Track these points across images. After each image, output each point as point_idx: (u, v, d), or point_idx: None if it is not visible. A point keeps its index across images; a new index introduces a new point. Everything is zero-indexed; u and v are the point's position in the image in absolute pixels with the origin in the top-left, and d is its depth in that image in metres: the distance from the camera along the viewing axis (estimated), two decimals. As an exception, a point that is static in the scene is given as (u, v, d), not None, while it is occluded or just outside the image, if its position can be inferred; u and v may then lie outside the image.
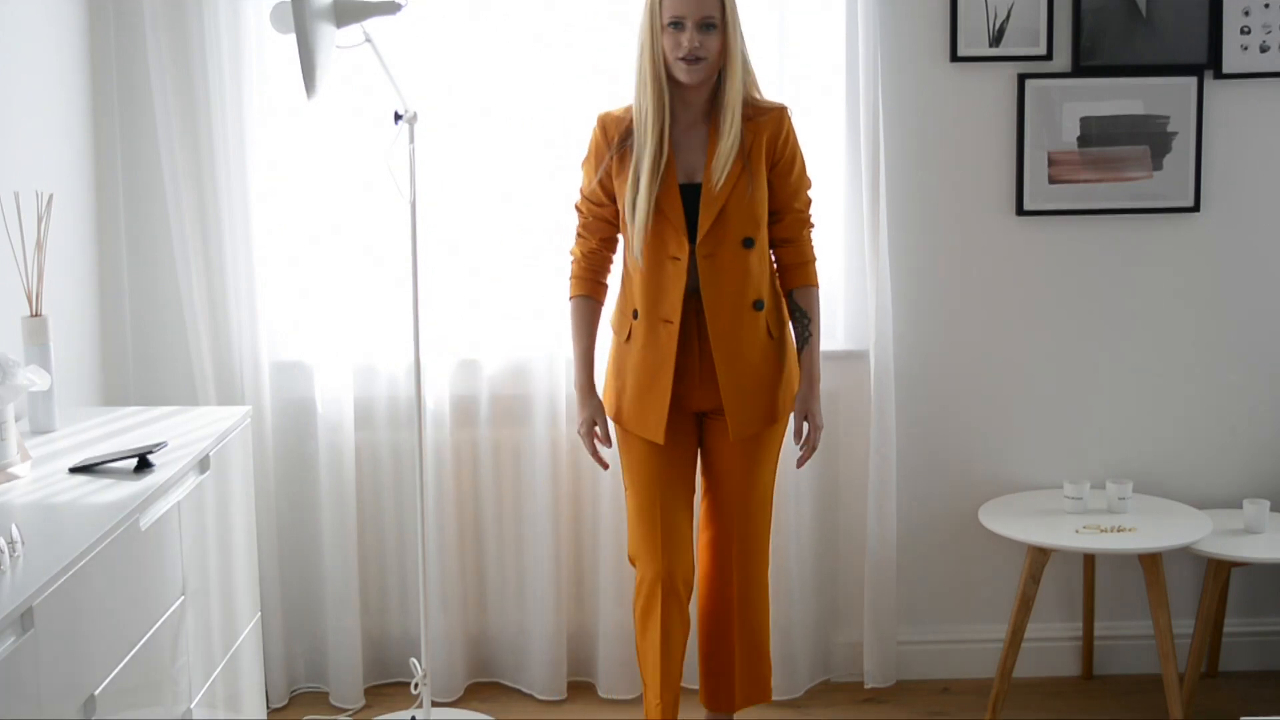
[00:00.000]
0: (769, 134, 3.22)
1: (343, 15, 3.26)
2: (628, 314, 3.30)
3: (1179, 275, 3.95)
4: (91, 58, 3.67)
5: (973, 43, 3.80)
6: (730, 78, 3.17)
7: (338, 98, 3.69)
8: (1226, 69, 3.83)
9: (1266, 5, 3.82)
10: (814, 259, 3.36)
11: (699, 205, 3.20)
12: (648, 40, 3.17)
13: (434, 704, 3.81)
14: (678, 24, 3.13)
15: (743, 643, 3.40)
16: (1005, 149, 3.87)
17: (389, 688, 3.98)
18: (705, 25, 3.13)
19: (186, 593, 2.78)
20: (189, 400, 3.80)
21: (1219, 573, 3.68)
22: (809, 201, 3.34)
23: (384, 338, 3.83)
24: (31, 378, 2.73)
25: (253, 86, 3.71)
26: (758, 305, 3.24)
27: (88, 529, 2.35)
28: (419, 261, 3.51)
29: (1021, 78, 3.82)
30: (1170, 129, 3.85)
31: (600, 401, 3.38)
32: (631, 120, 3.23)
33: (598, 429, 3.36)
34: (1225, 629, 4.01)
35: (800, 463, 3.41)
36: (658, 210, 3.18)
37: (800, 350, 3.35)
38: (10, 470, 2.65)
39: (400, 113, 3.42)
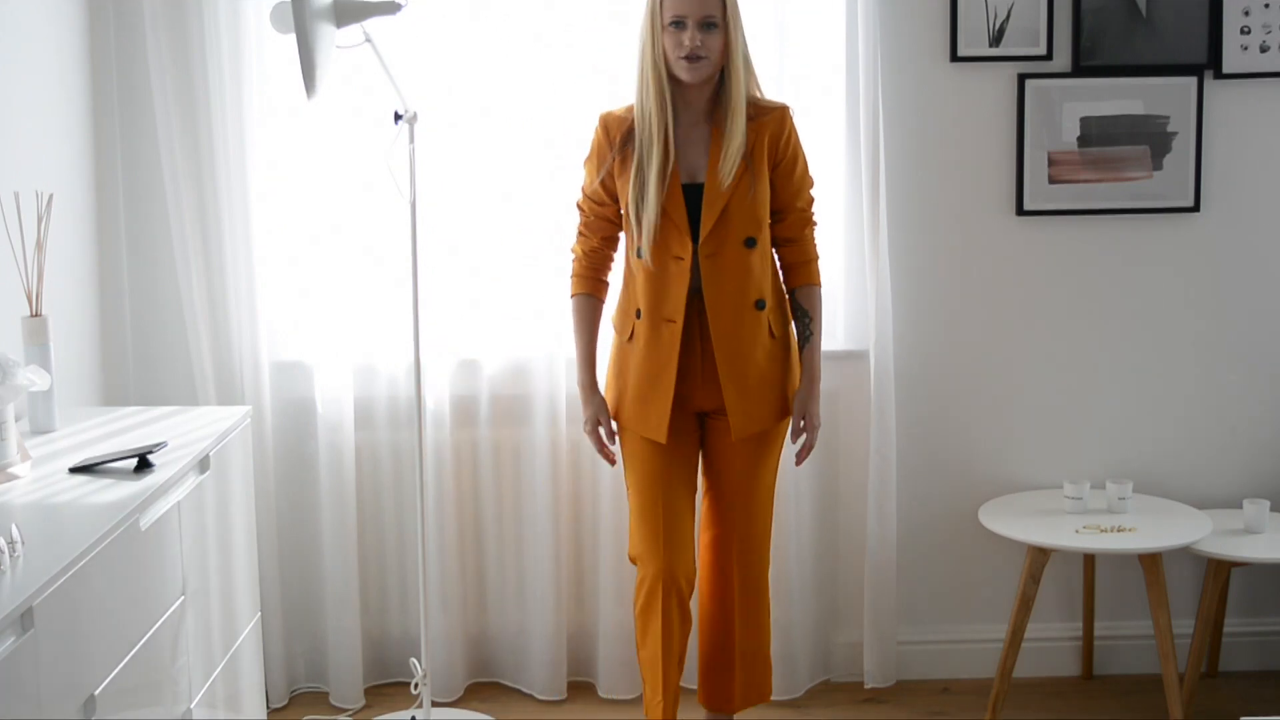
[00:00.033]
0: (771, 133, 3.22)
1: (343, 15, 3.26)
2: (630, 313, 3.30)
3: (1179, 275, 3.95)
4: (91, 58, 3.67)
5: (973, 43, 3.80)
6: (732, 77, 3.18)
7: (338, 98, 3.69)
8: (1226, 69, 3.83)
9: (1266, 5, 3.82)
10: (817, 257, 3.37)
11: (701, 205, 3.20)
12: (649, 40, 3.18)
13: (434, 704, 3.81)
14: (679, 23, 3.13)
15: (743, 643, 3.40)
16: (1005, 149, 3.87)
17: (389, 688, 3.98)
18: (707, 24, 3.13)
19: (186, 593, 2.77)
20: (189, 400, 3.80)
21: (1219, 573, 3.68)
22: (811, 200, 3.34)
23: (384, 338, 3.83)
24: (31, 378, 2.73)
25: (253, 86, 3.71)
26: (759, 305, 3.25)
27: (88, 529, 2.35)
28: (419, 261, 3.51)
29: (1021, 78, 3.82)
30: (1170, 129, 3.85)
31: (604, 399, 3.38)
32: (633, 120, 3.23)
33: (602, 426, 3.37)
34: (1225, 629, 4.01)
35: (799, 459, 3.41)
36: (661, 210, 3.18)
37: (801, 349, 3.35)
38: (10, 470, 2.65)
39: (400, 113, 3.42)
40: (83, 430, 3.06)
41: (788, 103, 3.31)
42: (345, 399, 3.82)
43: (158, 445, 2.81)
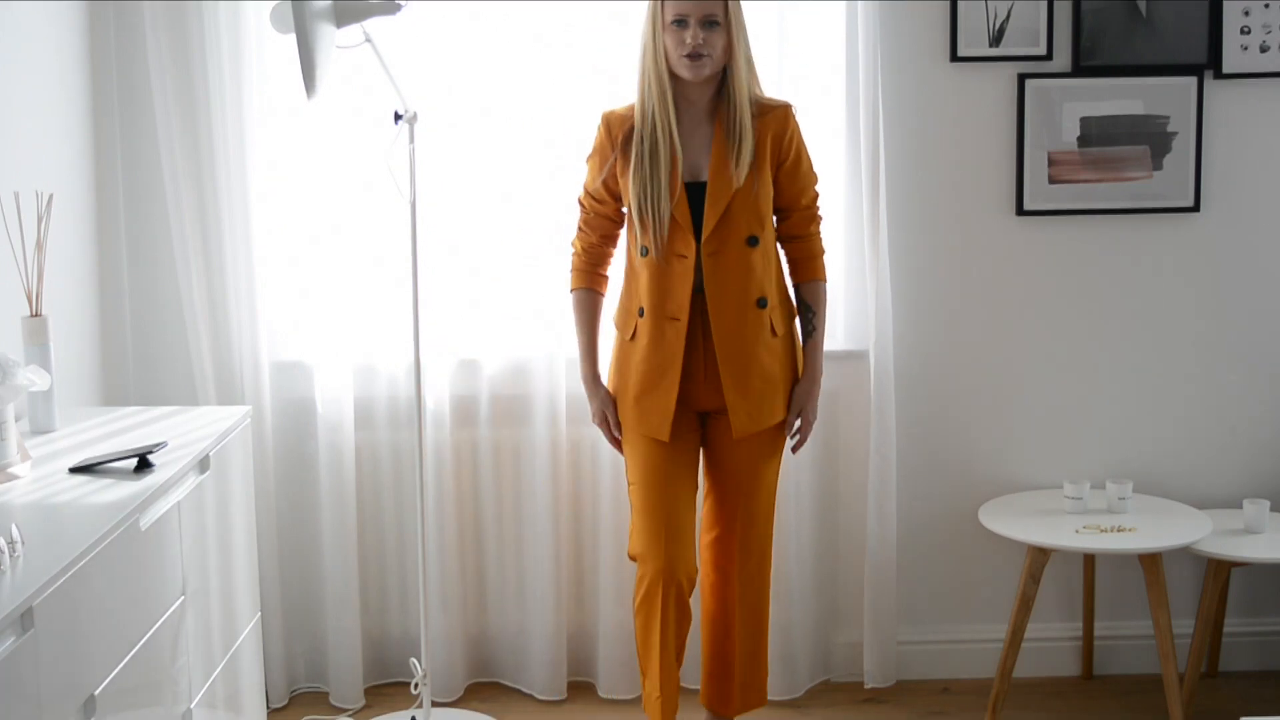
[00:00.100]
0: (774, 132, 3.23)
1: (343, 15, 3.26)
2: (633, 311, 3.30)
3: (1179, 275, 3.95)
4: (91, 58, 3.67)
5: (973, 43, 3.80)
6: (735, 76, 3.18)
7: (338, 98, 3.69)
8: (1226, 69, 3.83)
9: (1266, 5, 3.82)
10: (822, 252, 3.38)
11: (702, 203, 3.20)
12: (650, 40, 3.18)
13: (434, 704, 3.81)
14: (681, 22, 3.13)
15: (742, 644, 3.41)
16: (1005, 149, 3.87)
17: (389, 688, 3.98)
18: (708, 23, 3.13)
19: (186, 593, 2.78)
20: (189, 400, 3.80)
21: (1219, 573, 3.68)
22: (816, 196, 3.36)
23: (384, 338, 3.83)
24: (31, 378, 2.73)
25: (253, 86, 3.71)
26: (761, 303, 3.25)
27: (88, 529, 2.35)
28: (419, 261, 3.51)
29: (1021, 78, 3.82)
30: (1170, 129, 3.85)
31: (608, 391, 3.39)
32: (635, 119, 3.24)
33: (609, 417, 3.38)
34: (1225, 629, 4.01)
35: (795, 449, 3.42)
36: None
37: (804, 344, 3.36)
38: (10, 470, 2.65)
39: (400, 113, 3.42)
40: (83, 430, 3.06)
41: (789, 101, 3.32)
42: (345, 399, 3.82)
43: (158, 445, 2.81)
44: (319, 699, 3.93)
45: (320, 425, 3.83)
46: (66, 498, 2.55)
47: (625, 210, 3.36)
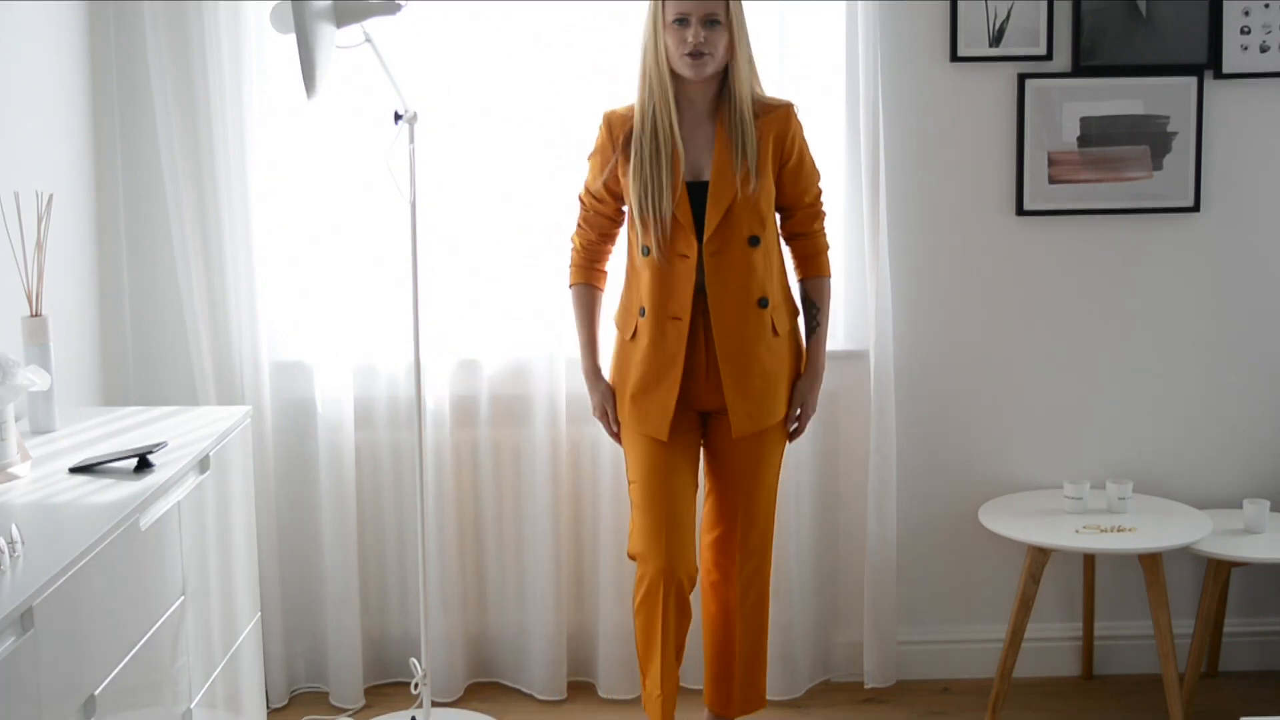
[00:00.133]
0: (776, 133, 3.23)
1: (343, 15, 3.26)
2: (634, 311, 3.30)
3: (1179, 275, 3.95)
4: (91, 58, 3.67)
5: (973, 43, 3.80)
6: (737, 75, 3.18)
7: (338, 98, 3.69)
8: (1226, 69, 3.83)
9: (1266, 5, 3.82)
10: (826, 248, 3.40)
11: (704, 203, 3.20)
12: (651, 39, 3.18)
13: (434, 704, 3.81)
14: (682, 21, 3.13)
15: (742, 648, 3.41)
16: (1005, 149, 3.87)
17: (389, 688, 3.98)
18: (710, 21, 3.13)
19: (186, 593, 2.77)
20: (189, 400, 3.80)
21: (1219, 573, 3.68)
22: (819, 193, 3.37)
23: (384, 338, 3.83)
24: (31, 378, 2.73)
25: (253, 86, 3.71)
26: (762, 303, 3.25)
27: (88, 529, 2.35)
28: (419, 261, 3.51)
29: (1021, 78, 3.82)
30: (1170, 129, 3.85)
31: (609, 385, 3.39)
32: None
33: (610, 411, 3.39)
34: (1225, 629, 4.01)
35: (791, 437, 3.42)
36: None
37: (807, 338, 3.37)
38: (10, 470, 2.65)
39: (400, 113, 3.42)
40: (83, 430, 3.06)
41: (791, 100, 3.32)
42: (345, 399, 3.82)
43: (158, 445, 2.81)
44: (319, 699, 3.93)
45: (320, 425, 3.83)
46: (66, 498, 2.55)
47: (625, 210, 3.36)
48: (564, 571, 3.89)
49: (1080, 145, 3.85)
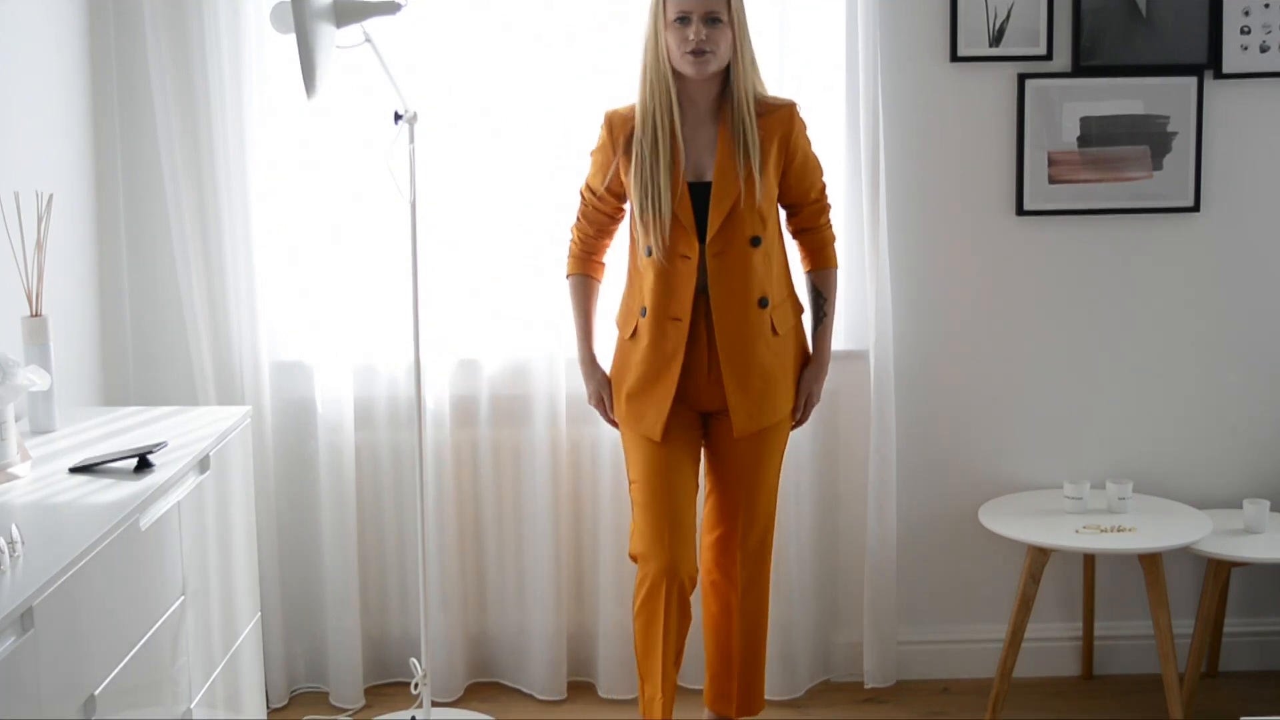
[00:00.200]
0: (781, 134, 3.23)
1: (343, 15, 3.26)
2: (635, 311, 3.30)
3: (1179, 275, 3.94)
4: (91, 58, 3.67)
5: (973, 42, 3.80)
6: (739, 74, 3.18)
7: (338, 98, 3.69)
8: (1226, 69, 3.83)
9: (1266, 5, 3.82)
10: (833, 240, 3.42)
11: (706, 204, 3.20)
12: (652, 38, 3.18)
13: (434, 704, 3.81)
14: (684, 19, 3.13)
15: (741, 649, 3.41)
16: (1005, 149, 3.87)
17: (389, 688, 3.98)
18: (711, 19, 3.13)
19: (186, 593, 2.77)
20: (189, 400, 3.80)
21: (1219, 573, 3.68)
22: (824, 187, 3.38)
23: (384, 338, 3.83)
24: (31, 378, 2.73)
25: (253, 86, 3.71)
26: (762, 303, 3.25)
27: (88, 529, 2.35)
28: (419, 261, 3.51)
29: (1021, 78, 3.82)
30: (1170, 129, 3.85)
31: (605, 373, 3.40)
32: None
33: (606, 399, 3.40)
34: (1225, 629, 4.01)
35: (794, 426, 3.43)
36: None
37: (815, 329, 3.39)
38: (10, 470, 2.65)
39: (400, 113, 3.42)
40: (83, 430, 3.06)
41: (793, 99, 3.32)
42: (345, 399, 3.82)
43: (158, 445, 2.81)
44: (319, 699, 3.93)
45: (320, 425, 3.82)
46: (66, 498, 2.55)
47: (625, 208, 3.37)
48: (564, 571, 3.89)
49: (1080, 145, 3.85)
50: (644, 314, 3.27)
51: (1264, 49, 3.83)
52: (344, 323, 3.81)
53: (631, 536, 3.34)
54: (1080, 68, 3.81)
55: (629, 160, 3.25)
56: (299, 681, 3.96)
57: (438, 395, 3.82)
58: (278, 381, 3.85)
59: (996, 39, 3.80)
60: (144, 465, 2.71)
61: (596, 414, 3.53)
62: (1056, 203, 3.88)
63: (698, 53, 3.13)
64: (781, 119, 3.24)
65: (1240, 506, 3.87)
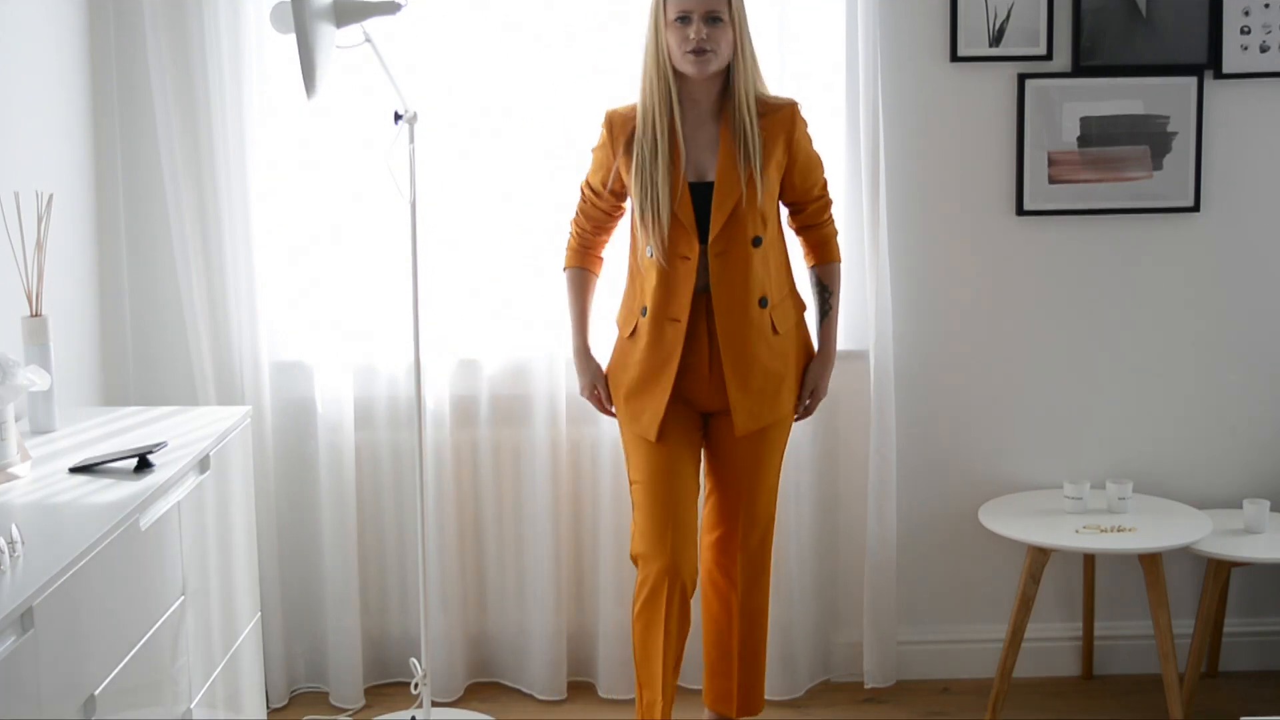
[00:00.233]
0: (784, 134, 3.23)
1: (343, 15, 3.26)
2: (635, 311, 3.31)
3: (1179, 275, 3.94)
4: (91, 58, 3.67)
5: (973, 42, 3.80)
6: (740, 74, 3.18)
7: (338, 98, 3.69)
8: (1226, 69, 3.83)
9: (1266, 5, 3.82)
10: (835, 233, 3.43)
11: (707, 204, 3.20)
12: (653, 38, 3.18)
13: (434, 704, 3.81)
14: (684, 18, 3.13)
15: (742, 648, 3.41)
16: (1005, 149, 3.87)
17: (389, 688, 3.98)
18: (712, 18, 3.13)
19: (186, 593, 2.77)
20: (189, 400, 3.80)
21: (1219, 573, 3.68)
22: (825, 184, 3.39)
23: (384, 338, 3.83)
24: (31, 378, 2.73)
25: (253, 86, 3.71)
26: (762, 303, 3.25)
27: (88, 529, 2.35)
28: (419, 261, 3.51)
29: (1021, 78, 3.82)
30: (1170, 129, 3.85)
31: (599, 365, 3.41)
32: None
33: (599, 390, 3.41)
34: (1225, 629, 4.01)
35: (799, 417, 3.43)
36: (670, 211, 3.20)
37: (820, 322, 3.40)
38: (10, 470, 2.65)
39: (400, 113, 3.42)
40: (83, 430, 3.06)
41: (794, 99, 3.32)
42: (345, 399, 3.82)
43: (158, 445, 2.81)
44: (319, 699, 3.93)
45: (320, 425, 3.83)
46: (66, 498, 2.55)
47: (624, 206, 3.37)
48: (564, 571, 3.89)
49: (1080, 145, 3.85)
50: (644, 314, 3.27)
51: (1264, 49, 3.83)
52: (344, 323, 3.81)
53: (633, 537, 3.34)
54: (1080, 68, 3.81)
55: (629, 160, 3.25)
56: (299, 681, 3.96)
57: (438, 395, 3.82)
58: (278, 381, 3.85)
59: (996, 39, 3.80)
60: (144, 465, 2.71)
61: (597, 414, 3.52)
62: (1056, 203, 3.88)
63: (699, 52, 3.13)
64: (784, 119, 3.24)
65: (1240, 506, 3.87)
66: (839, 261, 3.43)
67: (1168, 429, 3.99)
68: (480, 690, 3.97)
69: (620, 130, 3.27)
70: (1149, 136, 3.85)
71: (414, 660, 3.64)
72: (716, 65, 3.17)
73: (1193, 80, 3.83)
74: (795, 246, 3.44)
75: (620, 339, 3.37)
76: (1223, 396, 3.99)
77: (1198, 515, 3.74)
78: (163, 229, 3.78)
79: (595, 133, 3.36)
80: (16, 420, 2.82)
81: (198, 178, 3.73)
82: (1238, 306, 3.96)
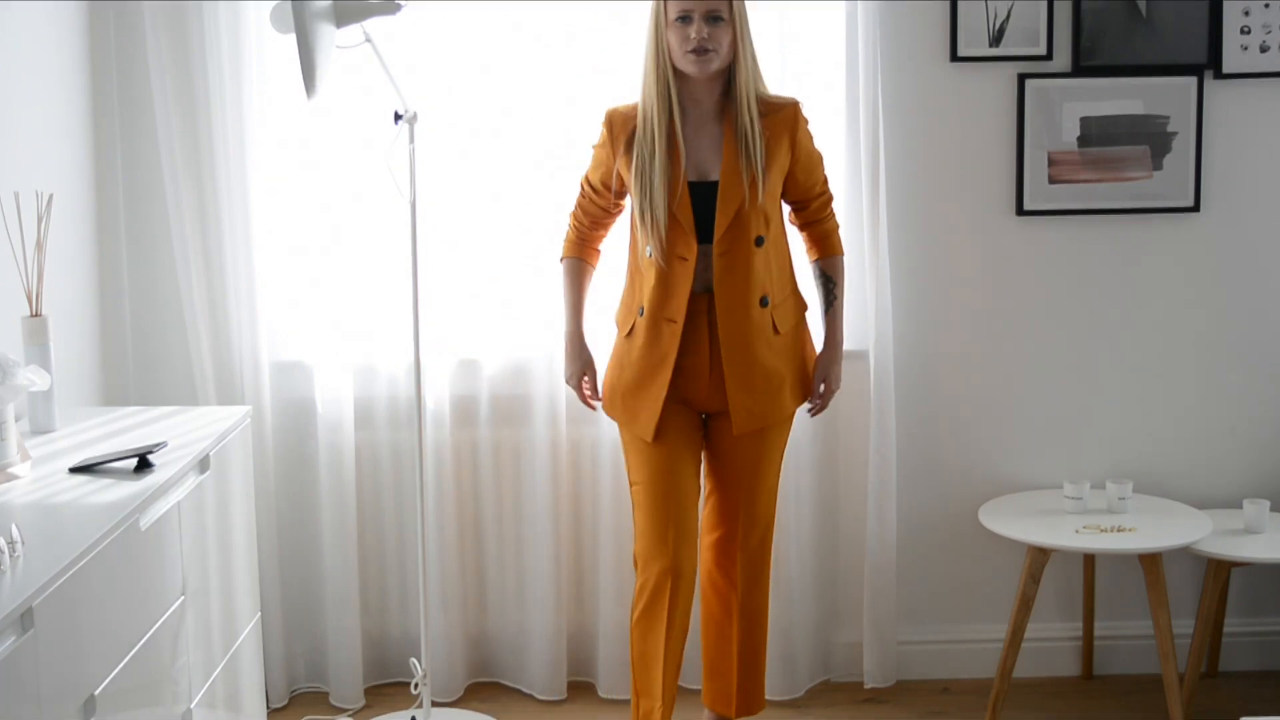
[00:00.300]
0: (787, 134, 3.24)
1: (343, 15, 3.26)
2: (633, 310, 3.31)
3: (1179, 275, 3.94)
4: (91, 58, 3.67)
5: (973, 42, 3.80)
6: (741, 74, 3.18)
7: (338, 98, 3.69)
8: (1226, 69, 3.83)
9: (1266, 5, 3.82)
10: (837, 227, 3.44)
11: (709, 204, 3.20)
12: (653, 38, 3.18)
13: (434, 704, 3.81)
14: (685, 18, 3.13)
15: (742, 649, 3.40)
16: (1005, 149, 3.87)
17: (389, 688, 3.98)
18: (713, 18, 3.13)
19: (186, 593, 2.78)
20: (189, 400, 3.80)
21: (1219, 573, 3.68)
22: (826, 180, 3.40)
23: (384, 338, 3.83)
24: (31, 378, 2.73)
25: (253, 86, 3.71)
26: (764, 302, 3.25)
27: (88, 529, 2.35)
28: (419, 261, 3.51)
29: (1021, 78, 3.82)
30: (1170, 129, 3.85)
31: (591, 356, 3.42)
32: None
33: (586, 381, 3.41)
34: (1225, 629, 4.01)
35: (813, 413, 3.43)
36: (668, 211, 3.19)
37: (825, 315, 3.40)
38: (10, 470, 2.65)
39: (400, 113, 3.42)
40: (83, 430, 3.06)
41: (795, 97, 3.32)
42: (345, 399, 3.82)
43: (158, 445, 2.81)
44: (319, 699, 3.93)
45: (320, 425, 3.83)
46: (66, 498, 2.55)
47: (622, 204, 3.38)
48: (564, 572, 3.89)
49: (1080, 145, 3.85)
50: (642, 313, 3.27)
51: (1264, 49, 3.83)
52: (344, 323, 3.81)
53: (637, 537, 3.34)
54: (1080, 68, 3.81)
55: (629, 159, 3.24)
56: (299, 681, 3.96)
57: (438, 395, 3.82)
58: (278, 381, 3.85)
59: (996, 39, 3.80)
60: (144, 465, 2.71)
61: (597, 415, 3.52)
62: (1056, 203, 3.88)
63: (699, 51, 3.13)
64: (786, 118, 3.24)
65: (1240, 506, 3.87)
66: (842, 254, 3.43)
67: (1168, 429, 3.99)
68: (480, 690, 3.97)
69: (621, 129, 3.27)
70: (1149, 136, 3.85)
71: (414, 660, 3.64)
72: (717, 65, 3.16)
73: (1193, 80, 3.83)
74: (797, 242, 3.44)
75: (619, 338, 3.37)
76: (1223, 396, 3.99)
77: (1198, 515, 3.74)
78: (163, 229, 3.78)
79: (595, 132, 3.36)
80: (16, 420, 2.82)
81: (198, 178, 3.73)
82: (1238, 306, 3.96)
